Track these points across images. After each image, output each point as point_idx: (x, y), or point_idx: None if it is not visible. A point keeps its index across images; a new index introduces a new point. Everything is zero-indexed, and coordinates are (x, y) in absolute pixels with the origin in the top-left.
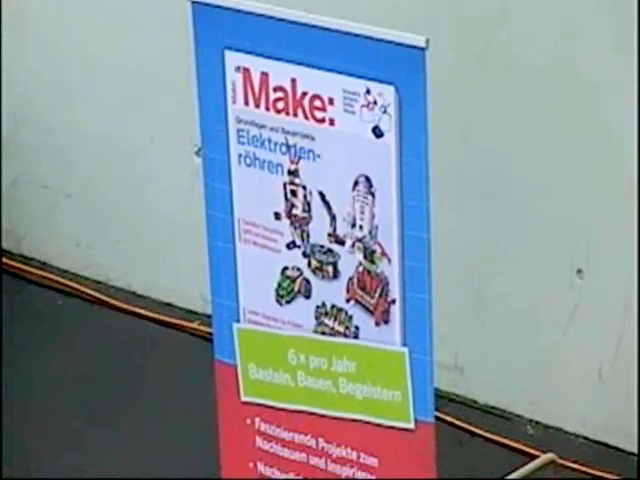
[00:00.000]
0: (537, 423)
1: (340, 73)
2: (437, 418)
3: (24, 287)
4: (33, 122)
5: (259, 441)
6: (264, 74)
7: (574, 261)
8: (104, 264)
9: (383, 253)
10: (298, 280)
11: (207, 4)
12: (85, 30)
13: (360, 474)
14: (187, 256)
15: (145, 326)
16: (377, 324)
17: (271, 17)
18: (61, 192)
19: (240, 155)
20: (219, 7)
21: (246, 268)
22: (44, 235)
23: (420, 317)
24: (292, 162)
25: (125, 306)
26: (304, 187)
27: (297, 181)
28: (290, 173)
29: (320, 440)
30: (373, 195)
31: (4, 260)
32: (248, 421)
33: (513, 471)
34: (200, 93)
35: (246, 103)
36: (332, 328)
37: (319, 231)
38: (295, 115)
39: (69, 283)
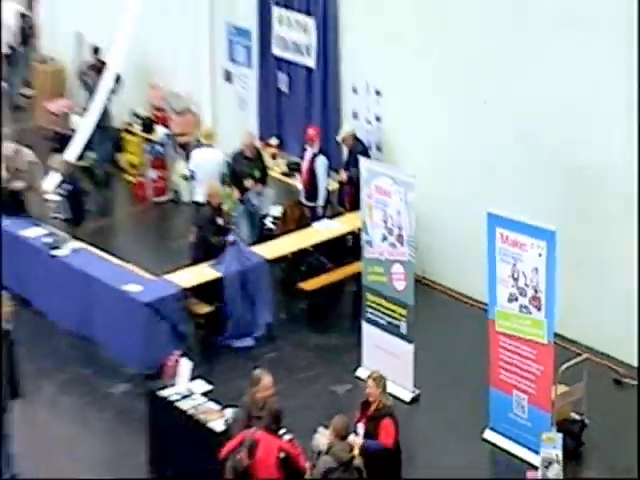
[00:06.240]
0: None
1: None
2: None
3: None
4: None
5: (501, 351)
6: None
7: None
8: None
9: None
10: (515, 302)
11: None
12: None
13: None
14: None
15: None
16: (538, 310)
17: None
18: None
19: None
20: None
21: (501, 296)
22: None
23: (549, 310)
24: None
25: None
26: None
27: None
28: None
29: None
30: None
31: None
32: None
33: None
34: None
35: None
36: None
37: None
38: None
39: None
